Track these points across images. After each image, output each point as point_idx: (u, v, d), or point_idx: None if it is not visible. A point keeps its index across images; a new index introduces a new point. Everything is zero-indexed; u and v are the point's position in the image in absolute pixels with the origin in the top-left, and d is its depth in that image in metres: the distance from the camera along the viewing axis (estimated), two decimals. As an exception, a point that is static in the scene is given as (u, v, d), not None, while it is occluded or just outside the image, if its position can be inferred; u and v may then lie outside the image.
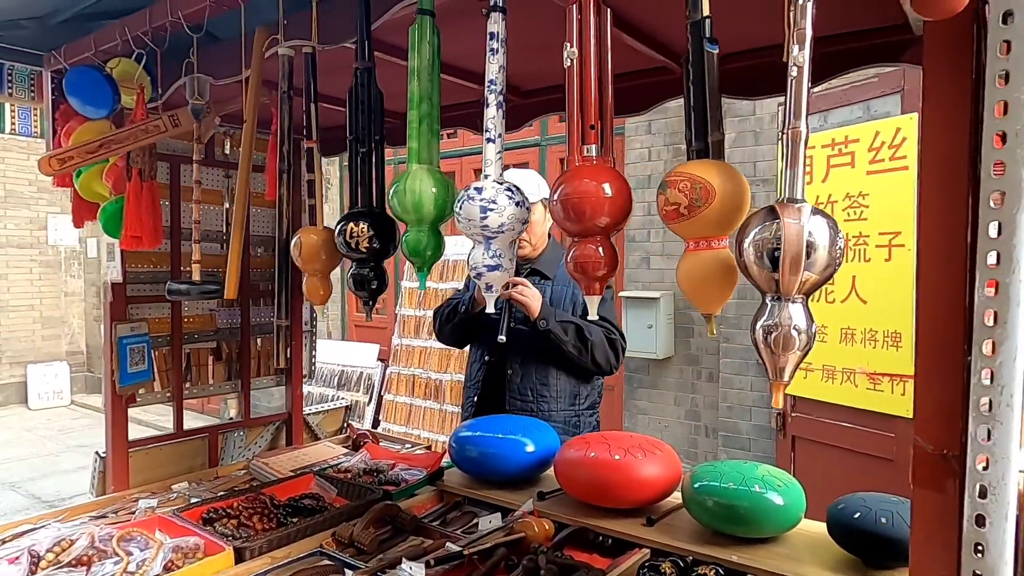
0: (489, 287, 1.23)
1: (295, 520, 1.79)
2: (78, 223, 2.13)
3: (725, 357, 4.32)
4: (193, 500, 1.98)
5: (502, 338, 2.16)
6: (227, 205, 2.49)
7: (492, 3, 1.17)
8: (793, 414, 3.72)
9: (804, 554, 1.49)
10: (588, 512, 1.72)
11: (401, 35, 1.56)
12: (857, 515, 1.42)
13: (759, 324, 0.93)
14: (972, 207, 0.73)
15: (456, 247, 4.90)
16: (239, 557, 1.59)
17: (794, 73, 0.85)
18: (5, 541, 1.77)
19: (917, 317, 0.81)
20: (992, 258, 0.71)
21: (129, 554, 1.57)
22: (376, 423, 5.69)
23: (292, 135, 1.56)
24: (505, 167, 1.33)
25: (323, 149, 1.72)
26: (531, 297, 2.20)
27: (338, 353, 6.26)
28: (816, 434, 3.57)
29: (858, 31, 1.56)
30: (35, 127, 2.18)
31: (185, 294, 1.84)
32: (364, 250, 1.35)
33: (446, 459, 2.14)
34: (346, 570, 1.54)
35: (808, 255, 0.87)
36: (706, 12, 1.01)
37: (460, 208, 1.20)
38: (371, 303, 1.43)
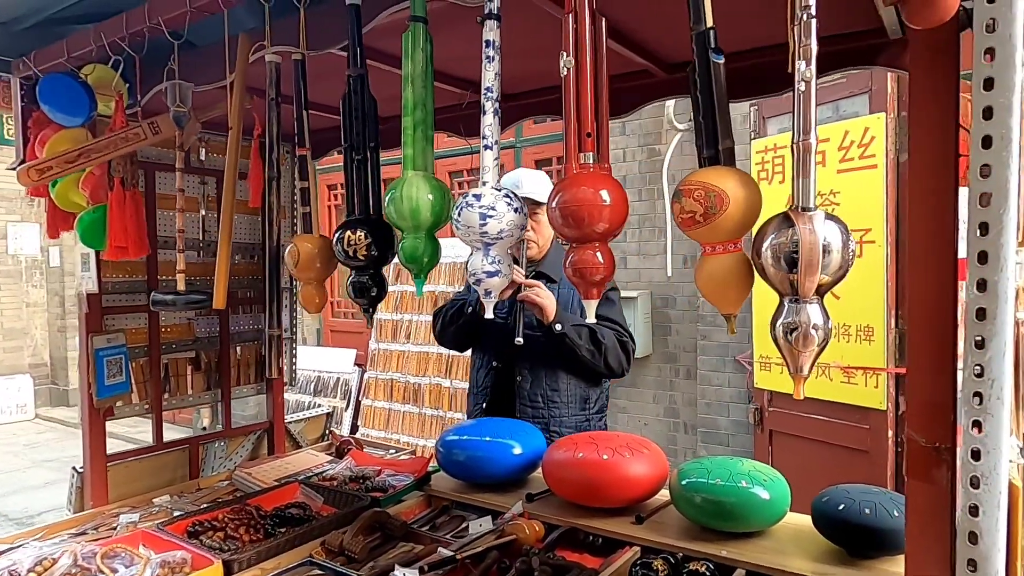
0: (488, 293, 1.23)
1: (283, 530, 1.77)
2: (53, 234, 2.08)
3: (702, 354, 4.39)
4: (176, 513, 1.94)
5: (519, 340, 2.13)
6: (203, 212, 2.45)
7: (487, 11, 1.18)
8: (770, 409, 3.79)
9: (790, 546, 1.52)
10: (577, 512, 1.73)
11: (385, 40, 1.57)
12: (841, 507, 1.45)
13: (779, 323, 0.98)
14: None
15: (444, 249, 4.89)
16: (228, 570, 1.57)
17: (802, 88, 0.88)
18: (-19, 562, 1.72)
19: (908, 315, 0.84)
20: (981, 256, 0.74)
21: (115, 571, 1.54)
22: (354, 429, 5.64)
23: (280, 142, 1.54)
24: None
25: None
26: (547, 299, 2.17)
27: (314, 359, 6.19)
28: (793, 428, 3.65)
29: (834, 35, 1.60)
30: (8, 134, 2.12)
31: (171, 304, 1.81)
32: (363, 258, 1.34)
33: (433, 463, 2.13)
34: (338, 579, 1.53)
35: (824, 259, 0.92)
36: (710, 23, 1.03)
37: (459, 215, 1.20)
38: (371, 310, 1.42)
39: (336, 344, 6.52)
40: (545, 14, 1.37)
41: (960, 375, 0.80)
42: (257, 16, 1.60)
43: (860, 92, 3.23)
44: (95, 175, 1.79)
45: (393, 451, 2.73)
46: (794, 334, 0.96)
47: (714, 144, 1.08)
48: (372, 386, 5.61)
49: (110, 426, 2.25)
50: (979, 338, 0.75)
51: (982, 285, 0.74)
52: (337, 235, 1.40)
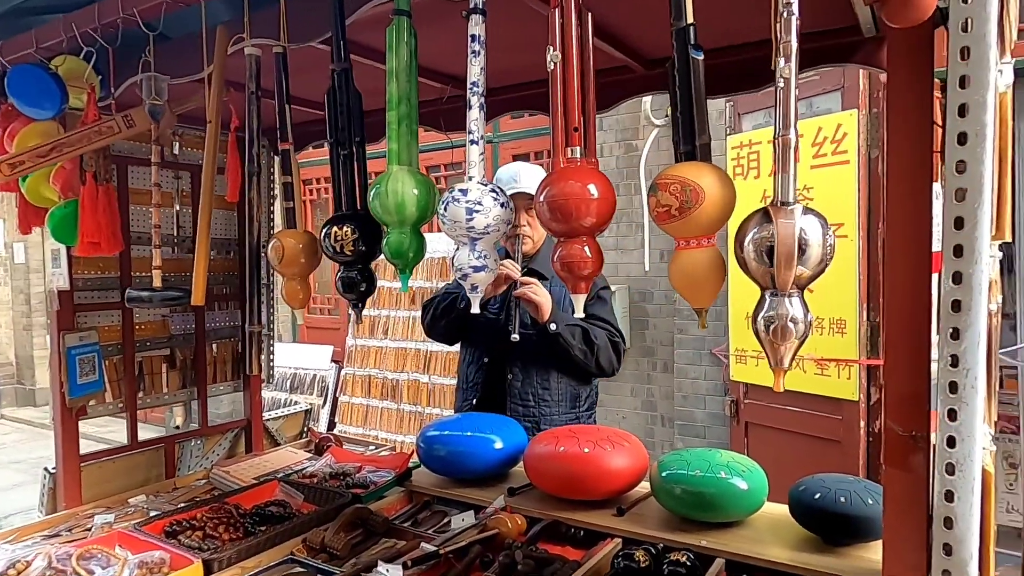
0: (474, 288, 1.23)
1: (263, 528, 1.75)
2: (25, 229, 2.02)
3: (679, 348, 4.43)
4: (153, 513, 1.91)
5: (515, 337, 2.11)
6: (178, 207, 2.41)
7: (472, 5, 1.18)
8: (746, 401, 3.85)
9: (768, 535, 1.55)
10: (558, 505, 1.74)
11: (366, 34, 1.55)
12: (817, 496, 1.48)
13: (760, 316, 0.99)
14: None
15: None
16: (208, 569, 1.55)
17: (781, 84, 0.89)
18: (-50, 567, 1.68)
19: (885, 307, 0.86)
20: (956, 250, 0.76)
21: (91, 573, 1.52)
22: (332, 425, 5.60)
23: (261, 137, 1.52)
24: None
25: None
26: (543, 297, 2.17)
27: (290, 356, 6.13)
28: (768, 419, 3.71)
29: (810, 33, 1.62)
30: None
31: (147, 301, 1.77)
32: (350, 253, 1.33)
33: (413, 459, 2.13)
34: (320, 576, 1.52)
35: (802, 253, 0.93)
36: (690, 19, 1.04)
37: (445, 210, 1.20)
38: (360, 306, 1.41)
39: (313, 340, 6.46)
40: (528, 8, 1.37)
41: (935, 365, 0.82)
42: (234, 7, 1.58)
43: (833, 89, 3.29)
44: (66, 169, 1.75)
45: (373, 447, 2.72)
46: (772, 327, 0.97)
47: (691, 139, 1.09)
48: (350, 382, 5.57)
49: (80, 426, 2.20)
50: (954, 329, 0.77)
51: (957, 278, 0.76)
52: (324, 230, 1.39)
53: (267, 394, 5.92)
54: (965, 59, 0.74)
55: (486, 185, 1.20)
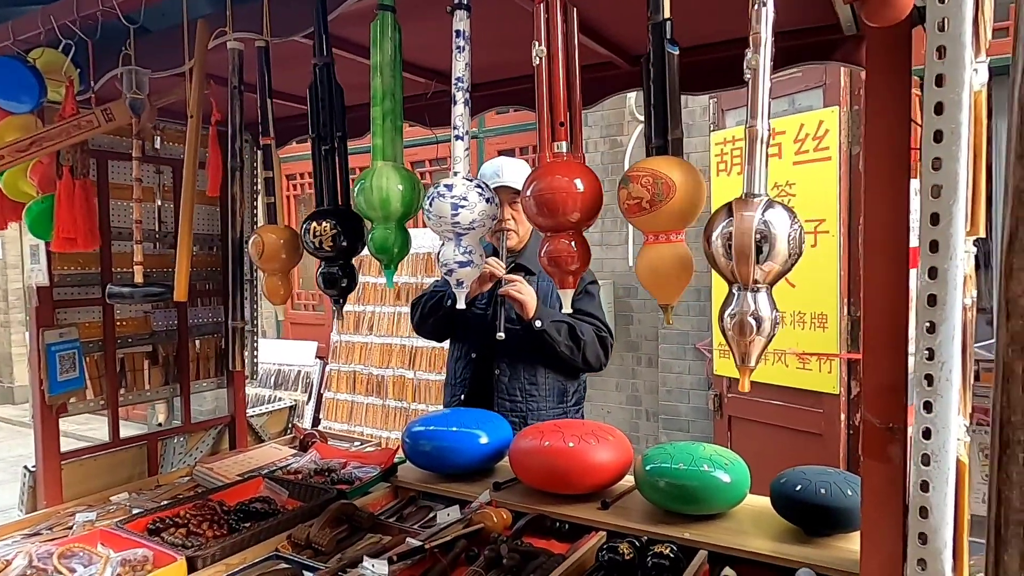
0: (460, 283, 1.23)
1: (247, 525, 1.75)
2: (2, 225, 1.99)
3: (663, 343, 4.46)
4: (136, 511, 1.90)
5: (501, 335, 2.11)
6: (159, 202, 2.39)
7: (457, 1, 1.17)
8: (729, 395, 3.89)
9: (750, 527, 1.57)
10: (543, 499, 1.75)
11: (349, 28, 1.55)
12: (798, 487, 1.50)
13: (726, 313, 0.96)
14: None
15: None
16: (192, 566, 1.54)
17: (748, 76, 0.89)
18: (-72, 566, 1.65)
19: (864, 301, 0.87)
20: (932, 245, 0.77)
21: (73, 571, 1.50)
22: (316, 421, 5.58)
23: (243, 131, 1.51)
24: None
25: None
26: (528, 295, 2.17)
27: (275, 352, 6.09)
28: (750, 413, 3.75)
29: (790, 31, 1.64)
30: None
31: (128, 297, 1.75)
32: (329, 248, 1.33)
33: (399, 454, 2.13)
34: (305, 572, 1.51)
35: (761, 248, 0.90)
36: (667, 14, 1.05)
37: (431, 205, 1.20)
38: (341, 302, 1.41)
39: (297, 336, 6.43)
40: (513, 4, 1.37)
41: (912, 358, 0.84)
42: (216, 0, 1.56)
43: (815, 86, 3.32)
44: (44, 163, 1.72)
45: (358, 443, 2.71)
46: (733, 322, 0.94)
47: (663, 133, 1.09)
48: (334, 379, 5.55)
49: (60, 424, 2.18)
50: (930, 323, 0.78)
51: (933, 272, 0.78)
52: (304, 226, 1.38)
53: (251, 391, 5.88)
54: (941, 58, 0.75)
55: (471, 180, 1.21)
